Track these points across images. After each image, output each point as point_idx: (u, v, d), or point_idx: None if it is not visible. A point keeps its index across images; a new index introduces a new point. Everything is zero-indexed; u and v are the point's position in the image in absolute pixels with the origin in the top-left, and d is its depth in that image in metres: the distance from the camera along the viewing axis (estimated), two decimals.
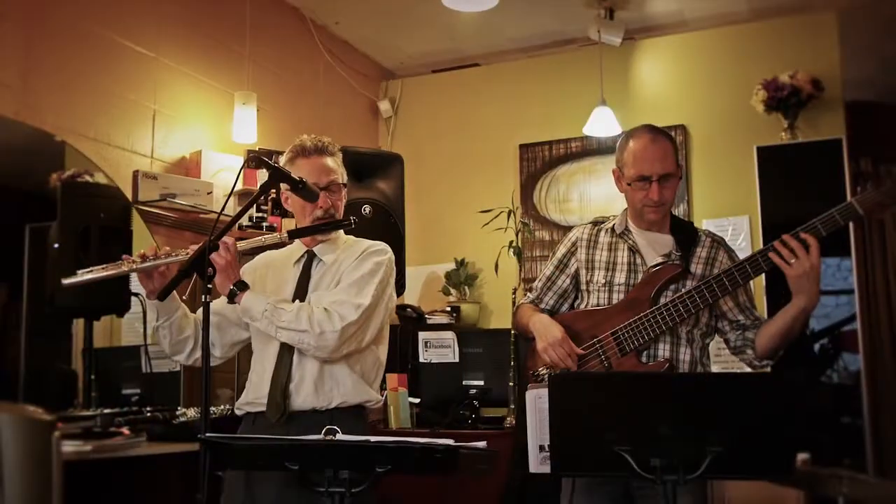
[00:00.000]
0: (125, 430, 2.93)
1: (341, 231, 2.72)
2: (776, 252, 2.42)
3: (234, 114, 4.43)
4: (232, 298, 2.47)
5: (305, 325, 2.43)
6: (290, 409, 2.50)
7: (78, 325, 3.41)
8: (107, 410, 3.14)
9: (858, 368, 4.53)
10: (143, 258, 2.48)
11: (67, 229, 3.23)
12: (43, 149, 3.52)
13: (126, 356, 3.56)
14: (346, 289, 2.54)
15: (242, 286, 2.47)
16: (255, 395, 2.58)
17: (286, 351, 2.54)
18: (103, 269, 2.47)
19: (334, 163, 2.69)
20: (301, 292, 2.61)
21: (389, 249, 2.70)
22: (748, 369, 2.71)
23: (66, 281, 2.49)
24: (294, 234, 2.62)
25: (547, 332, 2.64)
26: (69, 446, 2.60)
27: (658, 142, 2.64)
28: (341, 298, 2.51)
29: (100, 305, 3.35)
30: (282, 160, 2.68)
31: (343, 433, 2.02)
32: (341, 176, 2.70)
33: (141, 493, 2.97)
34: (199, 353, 2.66)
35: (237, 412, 2.67)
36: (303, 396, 2.51)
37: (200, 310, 2.68)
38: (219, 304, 2.65)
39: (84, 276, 2.47)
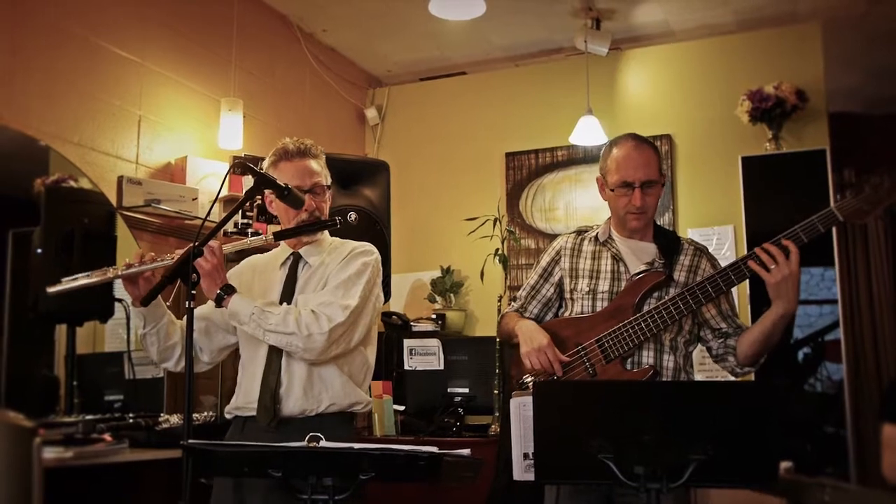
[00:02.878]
0: (107, 437, 2.90)
1: (327, 233, 2.71)
2: (756, 259, 2.44)
3: (221, 120, 4.42)
4: (219, 302, 2.45)
5: (293, 328, 2.42)
6: (281, 414, 2.50)
7: (61, 330, 3.38)
8: (89, 417, 3.12)
9: (841, 377, 4.55)
10: (128, 266, 2.47)
11: (51, 235, 3.21)
12: (27, 153, 3.50)
13: (109, 362, 3.54)
14: (333, 290, 2.53)
15: (229, 290, 2.45)
16: (245, 399, 2.57)
17: (275, 355, 2.53)
18: (87, 276, 2.46)
19: (318, 165, 2.68)
20: (288, 295, 2.60)
21: (376, 250, 2.69)
22: (731, 378, 2.72)
23: (50, 290, 2.47)
24: (279, 236, 2.60)
25: (532, 337, 2.64)
26: (50, 453, 2.58)
27: (641, 149, 2.66)
28: (328, 300, 2.50)
29: (83, 311, 3.33)
30: (264, 164, 2.67)
31: (333, 438, 2.02)
32: (325, 178, 2.69)
33: (123, 501, 2.95)
34: None
35: (227, 416, 2.66)
36: (293, 400, 2.50)
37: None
38: (206, 309, 2.64)
39: (68, 284, 2.45)
